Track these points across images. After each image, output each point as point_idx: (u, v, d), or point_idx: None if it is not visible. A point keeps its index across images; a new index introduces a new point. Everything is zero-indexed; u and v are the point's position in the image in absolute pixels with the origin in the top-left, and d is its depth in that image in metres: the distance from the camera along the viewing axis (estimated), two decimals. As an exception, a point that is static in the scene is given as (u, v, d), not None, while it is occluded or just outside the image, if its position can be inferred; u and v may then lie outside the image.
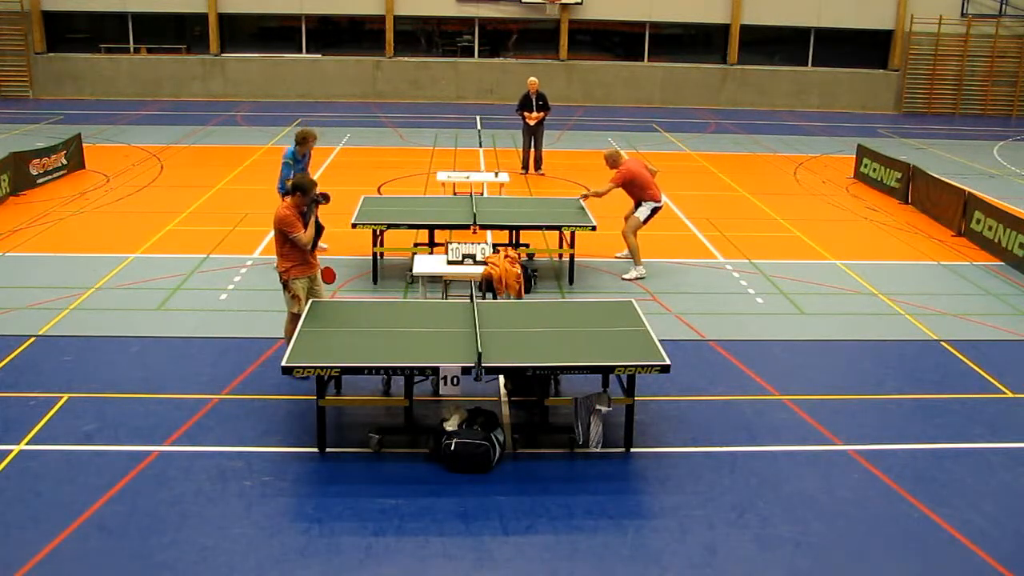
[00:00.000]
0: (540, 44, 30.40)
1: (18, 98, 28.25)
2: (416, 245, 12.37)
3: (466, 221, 11.86)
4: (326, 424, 7.59)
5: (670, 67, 30.17)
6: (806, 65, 30.61)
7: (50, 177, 16.72)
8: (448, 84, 29.71)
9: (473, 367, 7.23)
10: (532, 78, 18.62)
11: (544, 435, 7.86)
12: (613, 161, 12.34)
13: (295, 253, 8.76)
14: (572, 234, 11.96)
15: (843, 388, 9.09)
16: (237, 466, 7.31)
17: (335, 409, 8.17)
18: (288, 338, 8.39)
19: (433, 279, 10.34)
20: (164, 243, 13.24)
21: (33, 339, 9.66)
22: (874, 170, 18.20)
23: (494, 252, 9.98)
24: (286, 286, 8.86)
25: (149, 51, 29.47)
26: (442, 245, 11.55)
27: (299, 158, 11.88)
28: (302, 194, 8.72)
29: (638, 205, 12.37)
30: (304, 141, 11.82)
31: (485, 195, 15.33)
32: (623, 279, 12.15)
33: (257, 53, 29.61)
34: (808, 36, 30.28)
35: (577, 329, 8.18)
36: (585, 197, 12.72)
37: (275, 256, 9.01)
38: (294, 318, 8.61)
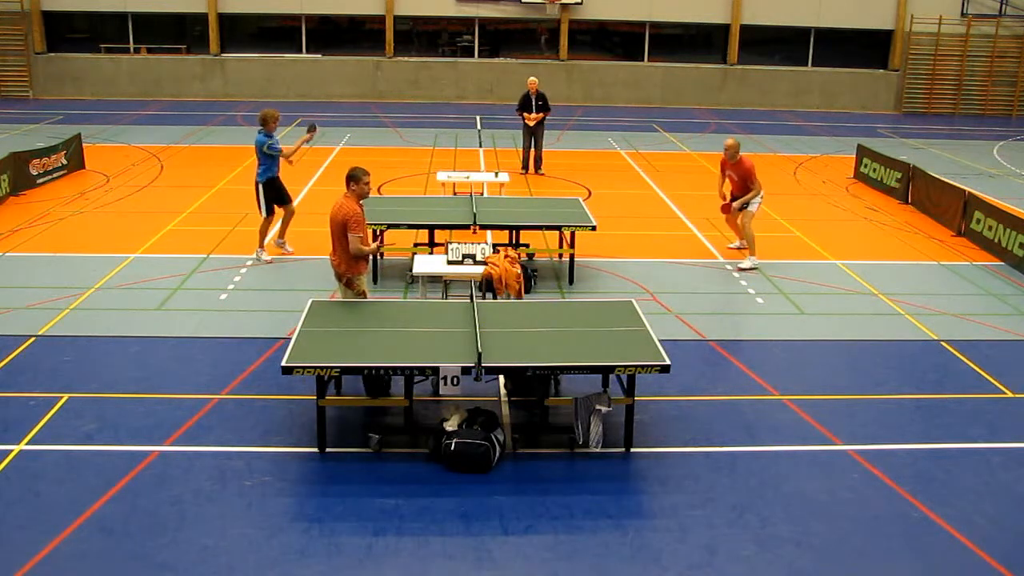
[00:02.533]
0: (540, 44, 30.39)
1: (18, 98, 28.24)
2: (416, 245, 12.37)
3: (466, 221, 11.86)
4: (326, 424, 7.59)
5: (670, 67, 30.17)
6: (806, 65, 30.60)
7: (50, 177, 16.71)
8: (448, 84, 29.72)
9: (473, 367, 7.23)
10: (532, 78, 18.62)
11: (544, 435, 7.86)
12: (735, 151, 12.70)
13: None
14: (572, 234, 11.96)
15: (843, 388, 9.09)
16: (237, 466, 7.31)
17: (335, 409, 8.17)
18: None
19: (433, 279, 10.34)
20: (164, 243, 13.24)
21: (33, 339, 9.66)
22: (874, 170, 18.20)
23: (494, 252, 9.97)
24: (349, 283, 8.74)
25: (149, 51, 29.47)
26: (442, 245, 11.54)
27: (269, 135, 12.24)
28: (355, 183, 8.63)
29: (734, 198, 12.80)
30: (264, 122, 12.16)
31: (485, 195, 15.33)
32: (740, 269, 12.46)
33: (257, 53, 29.61)
34: (808, 36, 30.27)
35: (577, 329, 8.17)
36: (729, 207, 13.03)
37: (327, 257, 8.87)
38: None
